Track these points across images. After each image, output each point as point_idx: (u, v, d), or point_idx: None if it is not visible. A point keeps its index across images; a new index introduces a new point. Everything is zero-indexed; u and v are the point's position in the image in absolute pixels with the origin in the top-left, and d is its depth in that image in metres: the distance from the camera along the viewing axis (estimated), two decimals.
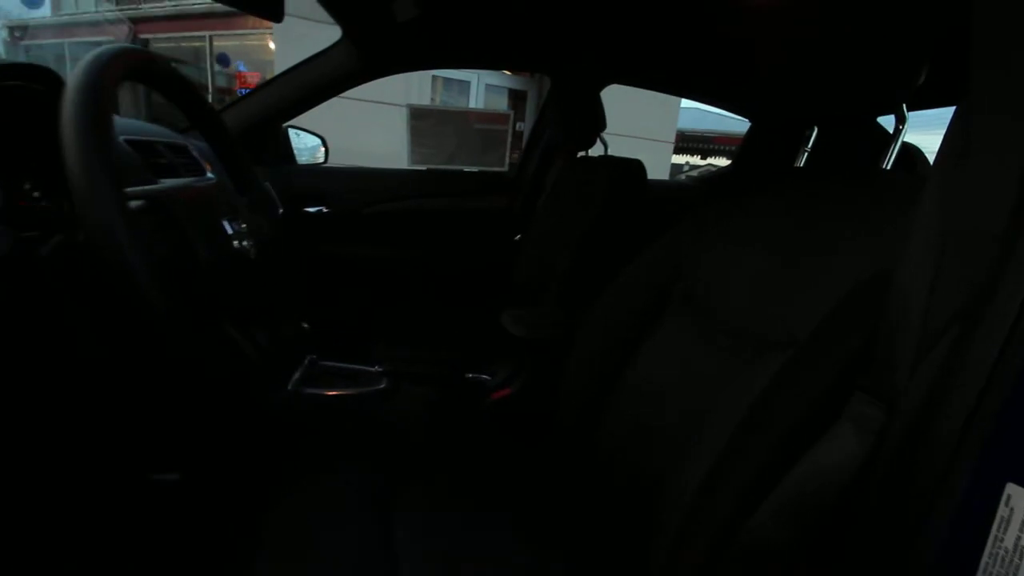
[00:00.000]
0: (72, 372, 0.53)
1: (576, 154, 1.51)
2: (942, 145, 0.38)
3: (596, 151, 1.51)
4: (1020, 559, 0.31)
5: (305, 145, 1.74)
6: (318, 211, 1.60)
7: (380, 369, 1.19)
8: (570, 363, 0.83)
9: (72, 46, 8.27)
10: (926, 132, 1.18)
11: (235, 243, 0.66)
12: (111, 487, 0.69)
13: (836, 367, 0.45)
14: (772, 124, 1.72)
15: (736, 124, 1.75)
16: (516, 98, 6.53)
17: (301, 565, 0.60)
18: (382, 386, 1.17)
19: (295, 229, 1.54)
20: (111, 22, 8.60)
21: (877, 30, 0.58)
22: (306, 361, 1.09)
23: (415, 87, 5.21)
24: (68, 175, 0.43)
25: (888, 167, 0.64)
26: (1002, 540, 0.31)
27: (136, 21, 8.41)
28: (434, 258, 1.73)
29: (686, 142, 10.15)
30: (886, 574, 0.37)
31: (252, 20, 6.82)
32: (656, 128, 6.50)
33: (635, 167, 1.25)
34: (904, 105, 0.61)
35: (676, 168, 8.54)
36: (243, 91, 7.00)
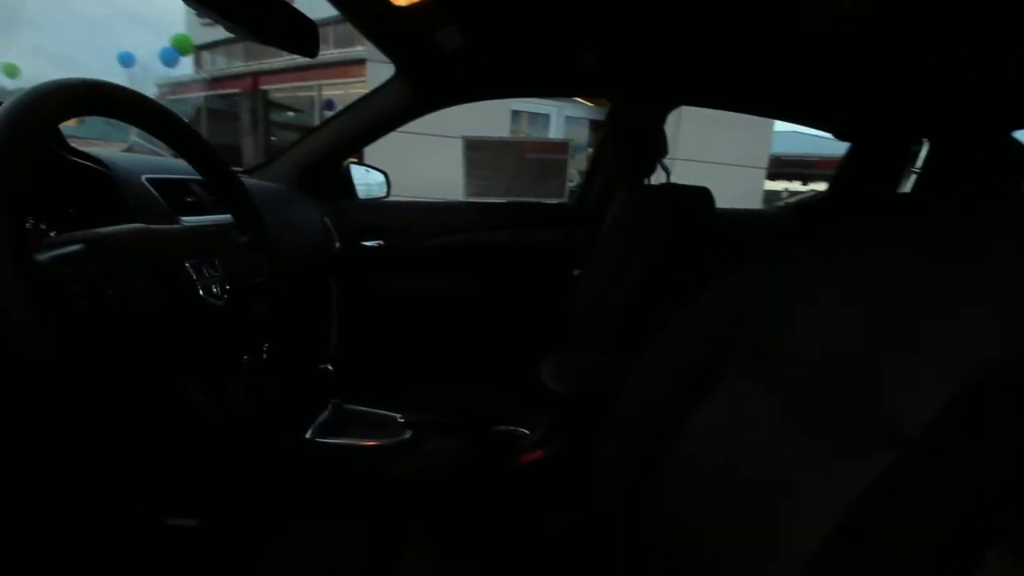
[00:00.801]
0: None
1: (639, 182, 1.39)
2: None
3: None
4: None
5: (374, 181, 1.79)
6: (376, 244, 1.62)
7: (403, 420, 1.12)
8: (609, 425, 0.72)
9: (209, 98, 9.73)
10: None
11: (201, 291, 0.60)
12: (123, 532, 0.67)
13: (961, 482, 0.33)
14: (876, 141, 1.47)
15: (838, 147, 1.54)
16: (598, 128, 6.52)
17: None
18: (405, 437, 1.10)
19: (351, 263, 1.55)
20: (241, 76, 10.00)
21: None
22: (329, 406, 1.05)
23: (495, 122, 5.35)
24: None
25: None
26: None
27: (258, 75, 9.74)
28: (486, 293, 1.68)
29: (783, 167, 9.56)
30: None
31: (355, 70, 7.56)
32: (744, 152, 6.17)
33: (700, 195, 1.11)
34: None
35: (773, 195, 8.07)
36: None
